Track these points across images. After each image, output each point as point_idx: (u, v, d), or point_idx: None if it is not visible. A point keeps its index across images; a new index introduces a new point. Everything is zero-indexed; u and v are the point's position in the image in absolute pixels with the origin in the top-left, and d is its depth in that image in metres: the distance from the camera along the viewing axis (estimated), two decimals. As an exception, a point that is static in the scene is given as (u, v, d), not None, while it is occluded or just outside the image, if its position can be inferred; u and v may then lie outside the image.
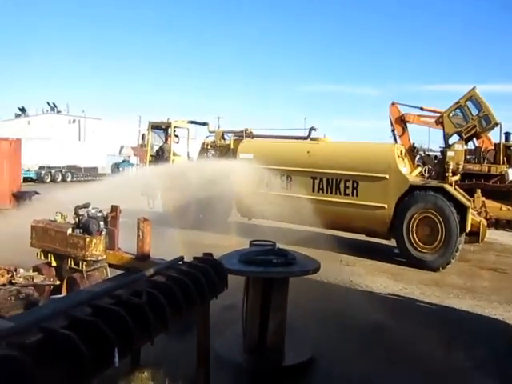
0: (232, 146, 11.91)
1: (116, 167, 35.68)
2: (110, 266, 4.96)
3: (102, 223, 5.23)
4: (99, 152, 36.91)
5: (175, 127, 13.05)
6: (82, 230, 5.09)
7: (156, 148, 13.41)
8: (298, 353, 4.14)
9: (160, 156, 12.90)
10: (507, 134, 16.42)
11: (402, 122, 16.88)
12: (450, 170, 9.33)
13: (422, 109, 16.48)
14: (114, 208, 5.26)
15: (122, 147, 44.67)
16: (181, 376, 3.42)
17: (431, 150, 15.23)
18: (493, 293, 7.18)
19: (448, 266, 8.66)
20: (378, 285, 7.24)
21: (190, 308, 2.99)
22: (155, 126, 13.46)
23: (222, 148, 12.35)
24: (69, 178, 29.64)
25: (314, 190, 10.07)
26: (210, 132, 13.10)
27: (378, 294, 6.72)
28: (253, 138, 12.04)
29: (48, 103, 52.48)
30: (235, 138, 12.11)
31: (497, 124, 14.21)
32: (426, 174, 11.19)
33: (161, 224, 11.48)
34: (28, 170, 26.37)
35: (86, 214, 5.24)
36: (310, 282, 6.87)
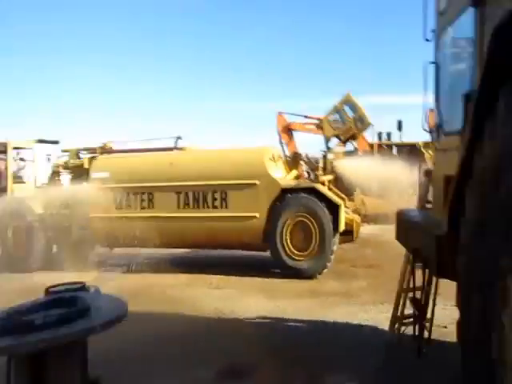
0: (86, 165, 10.30)
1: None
2: None
3: None
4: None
5: (15, 148, 11.04)
6: None
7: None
8: None
9: (-3, 185, 10.76)
10: (380, 134, 17.54)
11: (288, 130, 16.93)
12: (320, 170, 8.91)
13: (306, 117, 16.69)
14: None
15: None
16: None
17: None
18: (367, 293, 6.71)
19: (325, 270, 8.06)
20: (248, 307, 6.24)
21: None
22: None
23: (76, 168, 10.65)
24: None
25: (179, 207, 8.89)
26: (63, 151, 11.31)
27: (243, 320, 5.69)
28: (110, 153, 10.58)
29: None
30: (90, 155, 10.53)
31: (369, 124, 14.87)
32: (311, 178, 10.77)
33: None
34: None
35: None
36: (162, 317, 5.75)
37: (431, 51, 3.37)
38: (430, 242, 2.73)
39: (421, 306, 3.88)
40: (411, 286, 4.27)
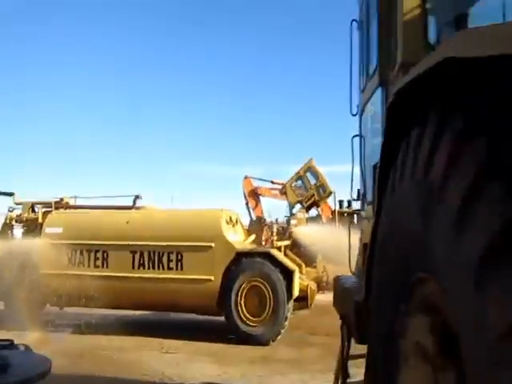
0: (40, 220, 10.11)
1: None
2: None
3: None
4: None
5: None
6: None
7: None
8: None
9: None
10: (341, 202, 17.86)
11: (254, 194, 17.12)
12: (275, 235, 9.06)
13: (272, 182, 17.00)
14: None
15: None
16: None
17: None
18: (319, 362, 6.58)
19: (279, 337, 7.94)
20: (196, 372, 6.05)
21: None
22: None
23: (30, 222, 10.43)
24: None
25: (134, 267, 8.72)
26: (17, 204, 11.09)
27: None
28: (66, 208, 10.47)
29: None
30: (45, 209, 10.39)
31: (331, 192, 15.19)
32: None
33: None
34: None
35: None
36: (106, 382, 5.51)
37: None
38: (351, 308, 2.82)
39: (347, 375, 3.90)
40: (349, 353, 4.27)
